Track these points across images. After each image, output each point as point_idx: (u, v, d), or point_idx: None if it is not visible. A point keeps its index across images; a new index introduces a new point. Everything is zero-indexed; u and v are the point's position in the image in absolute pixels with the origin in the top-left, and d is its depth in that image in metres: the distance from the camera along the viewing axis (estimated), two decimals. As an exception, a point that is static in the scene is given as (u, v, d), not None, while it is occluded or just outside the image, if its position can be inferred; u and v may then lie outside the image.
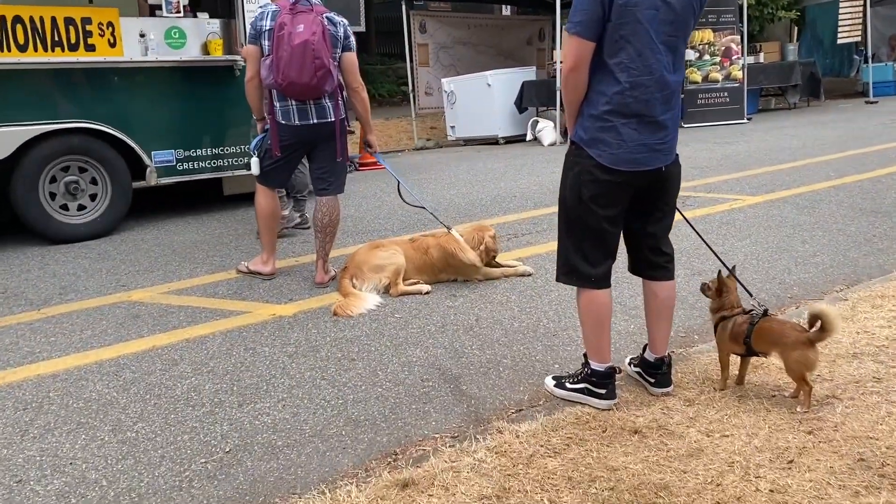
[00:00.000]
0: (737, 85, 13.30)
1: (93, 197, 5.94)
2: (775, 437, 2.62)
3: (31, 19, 5.44)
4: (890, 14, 17.48)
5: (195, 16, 6.39)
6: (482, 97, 12.13)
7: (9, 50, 5.42)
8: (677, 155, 2.89)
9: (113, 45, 5.80)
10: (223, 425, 2.95)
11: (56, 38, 5.55)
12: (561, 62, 11.47)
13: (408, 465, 2.55)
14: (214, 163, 6.52)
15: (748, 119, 13.24)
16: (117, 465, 2.68)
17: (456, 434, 2.85)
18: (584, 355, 3.01)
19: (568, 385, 3.03)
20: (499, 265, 4.76)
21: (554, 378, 3.12)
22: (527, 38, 15.71)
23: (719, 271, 3.05)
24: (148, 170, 6.09)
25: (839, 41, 16.69)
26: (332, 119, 4.41)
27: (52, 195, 5.78)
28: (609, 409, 2.89)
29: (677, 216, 3.05)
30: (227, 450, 2.77)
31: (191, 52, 6.32)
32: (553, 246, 5.53)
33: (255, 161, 4.52)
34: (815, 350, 2.76)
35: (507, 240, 5.56)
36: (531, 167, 9.03)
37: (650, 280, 3.00)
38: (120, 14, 5.87)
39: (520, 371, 3.37)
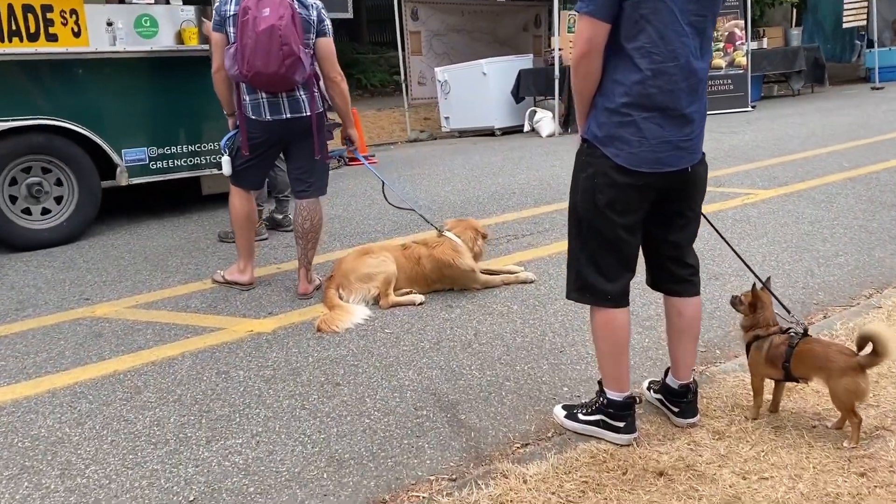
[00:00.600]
0: (741, 72, 12.95)
1: (58, 200, 5.55)
2: (822, 480, 2.29)
3: (-14, 7, 5.05)
4: (895, -2, 17.13)
5: (167, 2, 5.98)
6: (477, 87, 11.75)
7: (-39, 41, 5.04)
8: (703, 153, 2.54)
9: (77, 34, 5.40)
10: (188, 467, 2.60)
11: (14, 28, 5.14)
12: (566, 48, 11.30)
13: (398, 521, 2.21)
14: (191, 161, 6.14)
15: (752, 107, 12.90)
16: (61, 522, 2.34)
17: (454, 476, 2.52)
18: (599, 382, 2.67)
19: (581, 416, 2.69)
20: (498, 272, 4.41)
21: (564, 407, 2.78)
22: (523, 24, 15.30)
23: (753, 284, 2.71)
24: (118, 169, 5.70)
25: (844, 25, 16.35)
26: (308, 113, 4.05)
27: (13, 198, 5.38)
28: (628, 445, 2.56)
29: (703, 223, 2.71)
30: (191, 499, 2.42)
31: (163, 42, 5.91)
32: (557, 248, 5.30)
33: (226, 160, 4.15)
34: (865, 377, 2.43)
35: (506, 241, 5.21)
36: (530, 160, 8.67)
37: (673, 296, 2.66)
38: (85, 1, 5.46)
39: (524, 396, 3.03)
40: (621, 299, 2.54)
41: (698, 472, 2.37)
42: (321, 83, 4.10)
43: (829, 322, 3.53)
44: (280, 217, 5.73)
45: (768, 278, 2.77)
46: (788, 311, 2.70)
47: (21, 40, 5.18)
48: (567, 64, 10.99)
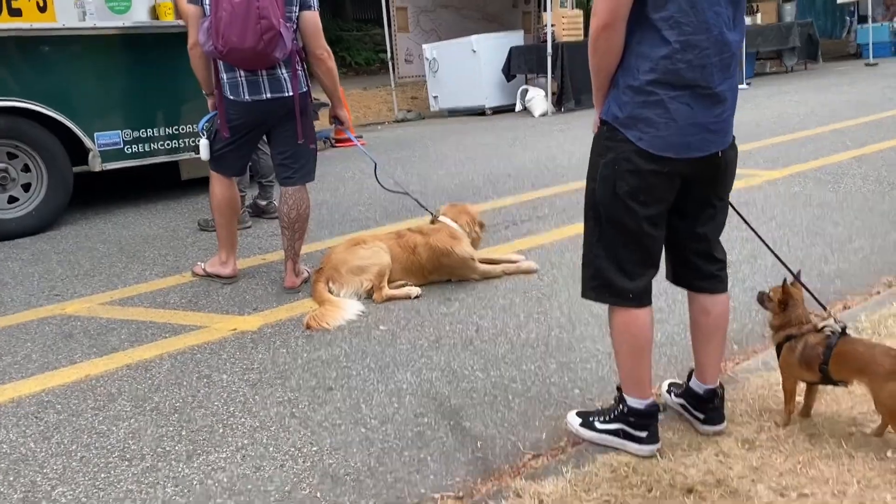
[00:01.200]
0: (735, 48, 12.70)
1: (26, 187, 5.25)
2: (869, 496, 2.09)
3: (-58, -21, 4.71)
4: (887, -28, 16.93)
5: (141, -25, 5.66)
6: (467, 64, 11.45)
7: (-84, 17, 4.71)
8: (734, 136, 2.31)
9: (43, 9, 5.06)
10: (166, 487, 2.36)
11: (-27, 2, 4.83)
12: (559, 24, 10.98)
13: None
14: (169, 144, 5.84)
15: (748, 84, 12.69)
16: (23, 555, 2.10)
17: (461, 493, 2.30)
18: (618, 388, 2.45)
19: (598, 425, 2.47)
20: (497, 261, 4.18)
21: (579, 414, 2.56)
22: (512, 0, 14.98)
23: (784, 279, 2.49)
24: (91, 154, 5.40)
25: (839, 0, 16.14)
26: (290, 93, 3.76)
27: (-23, 187, 5.10)
28: (651, 457, 2.34)
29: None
30: (170, 524, 2.19)
31: (137, 17, 5.59)
32: (558, 235, 5.07)
33: (204, 143, 3.87)
34: (914, 382, 2.21)
35: (504, 228, 4.98)
36: (524, 141, 8.42)
37: (699, 293, 2.44)
38: (52, -27, 5.13)
39: (533, 399, 2.81)
40: (644, 298, 2.31)
41: (731, 489, 2.16)
42: (305, 60, 3.83)
43: (853, 314, 3.32)
44: (264, 203, 5.46)
45: (798, 272, 2.55)
46: (825, 308, 2.48)
47: (-19, 16, 4.85)
48: (560, 40, 10.72)
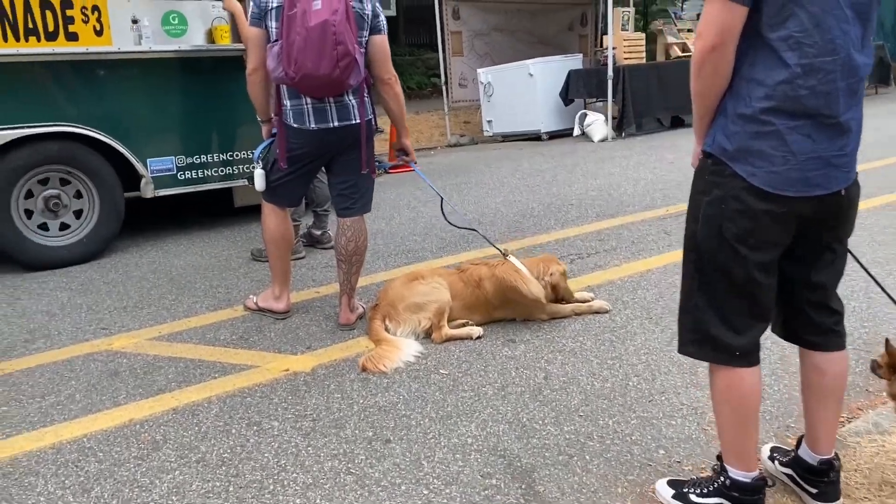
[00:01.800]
0: (804, 70, 12.24)
1: (77, 214, 5.19)
2: None
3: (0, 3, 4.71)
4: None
5: (198, -2, 5.62)
6: (523, 88, 11.25)
7: (-29, 41, 4.71)
8: (857, 172, 2.03)
9: (99, 33, 5.04)
10: (211, 553, 2.16)
11: (30, 26, 4.78)
12: (620, 47, 10.72)
13: None
14: (223, 170, 5.75)
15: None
16: None
17: (538, 575, 2.04)
18: (719, 457, 2.18)
19: (694, 498, 2.19)
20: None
21: (671, 484, 2.29)
22: (568, 23, 14.77)
23: (886, 340, 2.20)
24: (143, 180, 5.33)
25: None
26: (357, 121, 3.60)
27: (29, 213, 5.04)
28: (758, 538, 2.05)
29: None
30: None
31: (193, 41, 5.55)
32: (628, 270, 4.75)
33: (259, 174, 3.71)
34: None
35: (569, 262, 4.72)
36: (584, 167, 8.15)
37: (812, 349, 2.16)
38: (108, -4, 5.11)
39: (613, 461, 2.55)
40: (752, 356, 2.04)
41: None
42: (369, 86, 3.66)
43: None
44: (318, 233, 5.30)
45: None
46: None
47: (38, 39, 4.81)
48: (621, 63, 10.46)
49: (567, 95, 11.14)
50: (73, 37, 4.93)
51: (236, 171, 5.81)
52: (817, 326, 2.13)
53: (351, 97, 3.55)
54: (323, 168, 3.87)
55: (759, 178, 1.89)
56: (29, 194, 5.01)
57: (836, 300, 2.14)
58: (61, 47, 4.93)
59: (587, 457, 2.58)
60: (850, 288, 3.75)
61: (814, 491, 2.19)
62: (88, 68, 5.09)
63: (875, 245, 4.66)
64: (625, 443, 2.66)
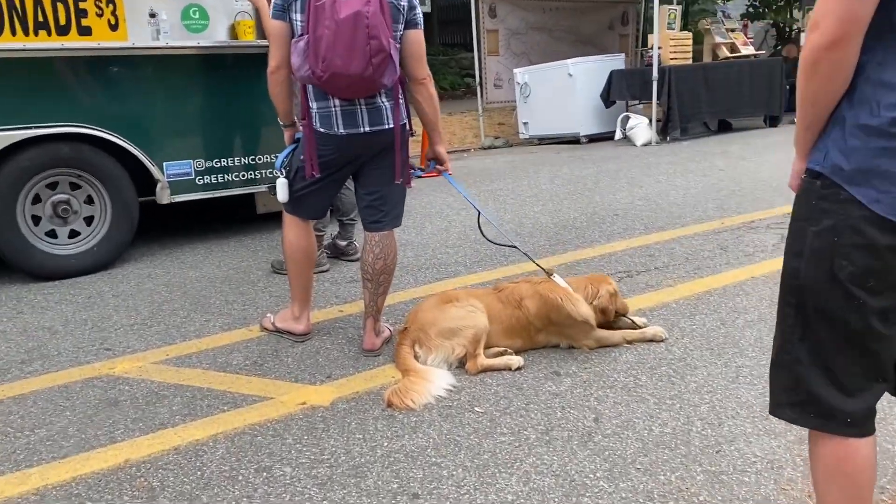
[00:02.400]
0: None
1: (88, 221, 4.94)
2: None
3: (9, -6, 4.48)
4: None
5: (220, -9, 5.34)
6: (562, 89, 10.88)
7: (-22, 35, 4.47)
8: None
9: (114, 27, 4.77)
10: None
11: (40, 19, 4.52)
12: (666, 46, 10.29)
13: None
14: (244, 175, 5.47)
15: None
16: None
17: None
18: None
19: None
20: (618, 326, 3.56)
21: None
22: (608, 22, 14.37)
23: None
24: (159, 185, 5.06)
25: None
26: (391, 125, 3.27)
27: (36, 219, 4.80)
28: None
29: None
30: None
31: (214, 36, 5.26)
32: (684, 291, 4.31)
33: (282, 183, 3.40)
34: None
35: (617, 280, 4.34)
36: (628, 174, 7.76)
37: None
38: (125, -11, 4.86)
39: (679, 527, 2.18)
40: (867, 423, 1.67)
41: None
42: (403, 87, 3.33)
43: None
44: (344, 244, 4.99)
45: None
46: None
47: (49, 34, 4.55)
48: (667, 64, 10.05)
49: (608, 97, 10.76)
50: (85, 31, 4.66)
51: (259, 176, 5.53)
52: (946, 386, 1.75)
53: (384, 99, 3.23)
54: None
55: (884, 205, 1.52)
56: (36, 199, 4.76)
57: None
58: (73, 42, 4.66)
59: (648, 522, 2.23)
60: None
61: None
62: (102, 65, 4.82)
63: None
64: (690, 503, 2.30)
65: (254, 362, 3.44)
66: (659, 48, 9.95)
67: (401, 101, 3.27)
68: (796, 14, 16.00)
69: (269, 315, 3.83)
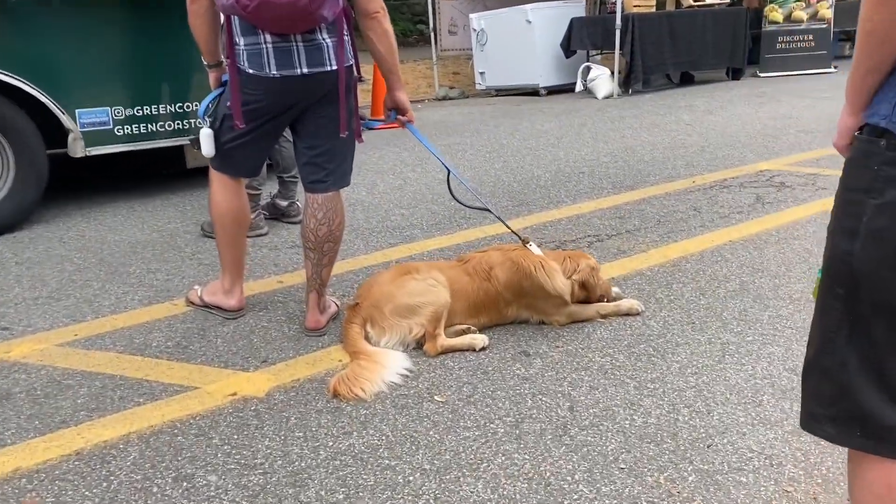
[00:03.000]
0: (824, 26, 11.59)
1: (-12, 177, 4.44)
2: None
3: None
4: None
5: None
6: (520, 38, 10.47)
7: None
8: None
9: (11, -48, 4.22)
10: None
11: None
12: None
13: None
14: (171, 125, 4.98)
15: (835, 68, 11.54)
16: None
17: None
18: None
19: None
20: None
21: None
22: (569, -34, 13.95)
23: None
24: (71, 136, 4.54)
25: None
26: (334, 67, 2.83)
27: (-73, 176, 4.28)
28: None
29: None
30: None
31: (133, -33, 4.73)
32: (658, 258, 4.04)
33: (206, 134, 2.95)
34: None
35: (586, 245, 4.03)
36: (592, 128, 7.44)
37: None
38: None
39: (673, 542, 1.89)
40: (920, 441, 1.37)
41: None
42: (350, 23, 2.89)
43: None
44: (285, 204, 4.57)
45: None
46: None
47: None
48: (630, 11, 9.69)
49: (569, 46, 10.38)
50: (-25, -44, 4.10)
51: (189, 126, 5.05)
52: None
53: (325, 35, 2.78)
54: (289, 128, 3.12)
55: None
56: (-74, 153, 4.23)
57: None
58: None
59: (637, 536, 1.93)
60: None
61: None
62: (-1, -2, 4.28)
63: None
64: (683, 513, 2.01)
65: (177, 344, 3.02)
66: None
67: (346, 38, 2.84)
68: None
69: (196, 287, 3.41)
